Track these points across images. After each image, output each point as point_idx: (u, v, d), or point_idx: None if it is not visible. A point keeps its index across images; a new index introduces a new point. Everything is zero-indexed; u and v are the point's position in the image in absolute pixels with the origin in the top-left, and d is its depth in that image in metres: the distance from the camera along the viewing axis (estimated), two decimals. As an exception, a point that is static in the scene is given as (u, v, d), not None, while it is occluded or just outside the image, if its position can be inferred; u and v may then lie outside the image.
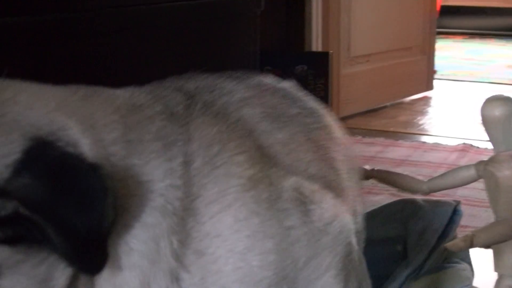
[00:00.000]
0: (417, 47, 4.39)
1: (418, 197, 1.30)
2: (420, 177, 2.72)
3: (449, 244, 1.19)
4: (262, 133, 1.03)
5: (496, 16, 7.77)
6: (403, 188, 1.31)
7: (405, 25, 4.23)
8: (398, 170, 2.85)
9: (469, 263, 1.39)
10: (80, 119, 0.88)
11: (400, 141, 3.32)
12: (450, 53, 6.48)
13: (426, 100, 4.38)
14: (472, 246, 1.15)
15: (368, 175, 1.33)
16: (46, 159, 0.81)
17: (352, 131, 3.56)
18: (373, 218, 1.37)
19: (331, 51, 3.49)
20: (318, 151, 1.09)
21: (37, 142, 0.81)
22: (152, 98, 0.99)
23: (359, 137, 3.34)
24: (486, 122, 1.14)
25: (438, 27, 7.69)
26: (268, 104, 1.09)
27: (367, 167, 1.35)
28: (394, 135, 3.49)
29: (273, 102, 1.10)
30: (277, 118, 1.07)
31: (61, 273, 0.84)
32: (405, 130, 3.57)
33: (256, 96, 1.09)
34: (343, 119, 3.79)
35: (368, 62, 4.00)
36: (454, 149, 3.18)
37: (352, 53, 3.85)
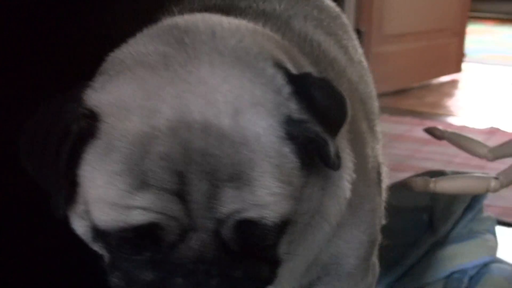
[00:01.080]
0: (449, 29, 4.37)
1: (448, 169, 1.32)
2: (445, 157, 2.77)
3: (408, 179, 1.23)
4: None
5: (529, 2, 7.69)
6: (469, 152, 1.33)
7: (438, 7, 4.21)
8: (425, 149, 2.88)
9: (494, 234, 1.42)
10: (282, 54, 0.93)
11: (427, 121, 3.33)
12: (481, 37, 6.43)
13: (454, 83, 4.37)
14: (429, 189, 1.17)
15: (439, 135, 1.36)
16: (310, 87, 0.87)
17: (380, 109, 3.57)
18: (401, 188, 1.40)
19: (363, 29, 3.50)
20: None
21: (286, 71, 0.88)
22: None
23: (386, 116, 3.36)
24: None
25: (470, 11, 7.65)
26: None
27: (440, 127, 1.39)
28: (421, 115, 3.50)
29: None
30: None
31: None
32: (432, 111, 3.58)
33: None
34: (373, 98, 3.80)
35: (400, 42, 4.00)
36: (481, 131, 3.18)
37: (384, 32, 3.85)
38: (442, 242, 1.42)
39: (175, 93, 0.82)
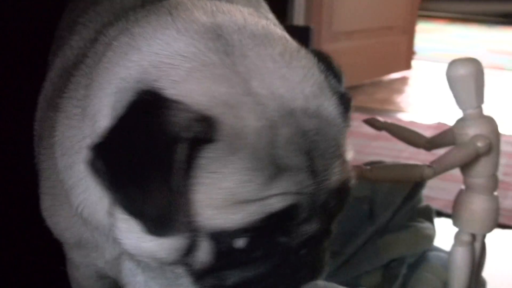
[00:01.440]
0: (399, 27, 4.41)
1: (387, 159, 1.33)
2: (393, 152, 2.79)
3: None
4: None
5: (481, 2, 7.81)
6: (408, 142, 1.34)
7: (388, 4, 4.25)
8: (373, 144, 2.90)
9: (432, 222, 1.43)
10: None
11: (375, 116, 3.35)
12: (432, 35, 6.52)
13: (404, 80, 4.42)
14: (365, 177, 1.18)
15: (379, 126, 1.36)
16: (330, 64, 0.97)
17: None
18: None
19: (313, 26, 3.51)
20: None
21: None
22: None
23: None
24: (452, 82, 1.17)
25: (422, 10, 7.75)
26: None
27: (380, 119, 1.39)
28: (370, 111, 3.53)
29: None
30: None
31: None
32: (382, 107, 3.60)
33: None
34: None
35: (350, 39, 4.02)
36: (429, 126, 3.22)
37: (334, 29, 3.87)
38: (381, 231, 1.42)
39: (262, 86, 0.85)
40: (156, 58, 0.87)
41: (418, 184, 1.47)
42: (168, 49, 0.87)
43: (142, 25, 0.93)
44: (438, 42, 6.14)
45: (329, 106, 0.89)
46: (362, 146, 2.82)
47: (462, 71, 1.12)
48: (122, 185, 0.80)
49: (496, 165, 1.14)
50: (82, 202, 0.96)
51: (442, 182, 2.41)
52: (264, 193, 0.82)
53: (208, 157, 0.81)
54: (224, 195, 0.82)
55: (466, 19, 7.73)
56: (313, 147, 0.86)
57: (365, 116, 3.35)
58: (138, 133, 0.80)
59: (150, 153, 0.79)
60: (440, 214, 1.80)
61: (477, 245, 1.15)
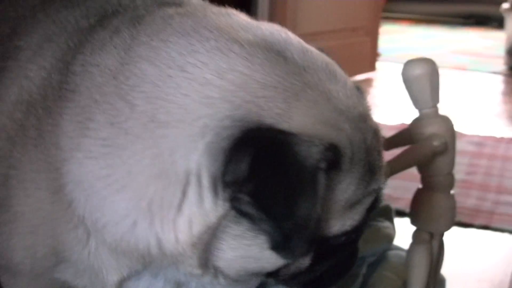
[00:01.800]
0: (362, 28, 4.44)
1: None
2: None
3: None
4: None
5: (443, 3, 7.89)
6: None
7: (352, 6, 4.27)
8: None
9: (391, 221, 1.44)
10: None
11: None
12: (396, 37, 6.57)
13: (369, 81, 4.44)
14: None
15: None
16: None
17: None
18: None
19: (276, 28, 3.52)
20: None
21: None
22: None
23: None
24: (407, 82, 1.18)
25: (386, 11, 7.81)
26: None
27: None
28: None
29: None
30: None
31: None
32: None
33: None
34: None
35: (314, 41, 4.02)
36: (391, 127, 3.23)
37: (298, 31, 3.87)
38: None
39: (335, 98, 0.90)
40: (245, 93, 0.86)
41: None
42: (249, 81, 0.87)
43: (189, 49, 0.90)
44: (402, 43, 6.19)
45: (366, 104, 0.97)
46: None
47: (417, 71, 1.13)
48: (275, 217, 0.84)
49: (452, 163, 1.16)
50: (126, 235, 0.93)
51: (405, 182, 2.43)
52: (365, 194, 0.92)
53: (337, 178, 0.87)
54: (343, 205, 0.90)
55: (430, 20, 7.81)
56: (380, 146, 0.95)
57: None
58: (280, 171, 0.83)
59: (296, 187, 0.83)
60: (402, 214, 1.81)
61: (435, 243, 1.16)
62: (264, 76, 0.87)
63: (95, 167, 0.90)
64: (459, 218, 2.14)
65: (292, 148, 0.82)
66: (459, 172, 2.63)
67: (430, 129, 1.14)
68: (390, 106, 3.76)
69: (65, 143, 0.91)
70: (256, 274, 0.92)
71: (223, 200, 0.84)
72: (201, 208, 0.86)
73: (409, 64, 1.14)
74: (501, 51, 5.18)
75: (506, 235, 2.09)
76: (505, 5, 5.07)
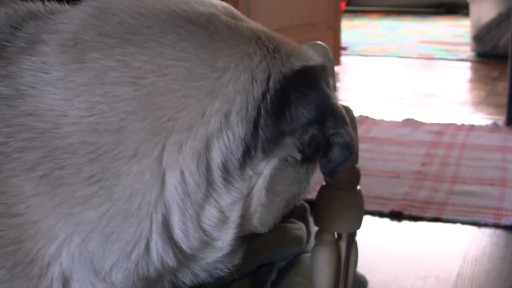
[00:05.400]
0: (323, 23, 4.36)
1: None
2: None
3: None
4: None
5: (412, -6, 7.87)
6: None
7: (308, 1, 4.20)
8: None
9: (306, 222, 1.35)
10: None
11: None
12: (364, 30, 6.51)
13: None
14: None
15: None
16: None
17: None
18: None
19: (227, 26, 3.44)
20: None
21: None
22: None
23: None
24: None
25: (355, 5, 7.78)
26: None
27: None
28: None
29: None
30: None
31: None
32: (305, 105, 3.53)
33: None
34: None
35: (271, 38, 3.95)
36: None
37: (253, 29, 3.80)
38: (251, 236, 1.35)
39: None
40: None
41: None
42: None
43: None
44: (369, 36, 6.13)
45: None
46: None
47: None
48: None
49: (355, 157, 1.07)
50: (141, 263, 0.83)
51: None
52: None
53: None
54: None
55: (400, 11, 7.76)
56: None
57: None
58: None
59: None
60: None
61: (343, 244, 1.07)
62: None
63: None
64: (409, 211, 2.09)
65: (320, 71, 0.87)
66: (414, 163, 2.56)
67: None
68: (355, 99, 3.69)
69: None
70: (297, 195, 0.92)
71: (267, 154, 0.83)
72: (229, 186, 0.82)
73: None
74: (468, 38, 5.11)
75: (458, 226, 2.02)
76: (469, -8, 5.02)
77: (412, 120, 3.16)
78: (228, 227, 0.84)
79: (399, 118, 3.21)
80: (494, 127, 3.05)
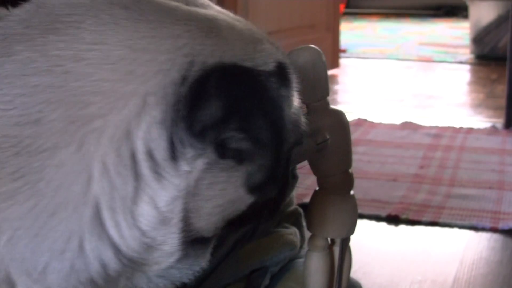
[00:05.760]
0: (321, 24, 4.36)
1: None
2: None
3: None
4: None
5: (412, -4, 7.88)
6: None
7: (308, 3, 4.19)
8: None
9: (299, 227, 1.34)
10: None
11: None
12: (363, 32, 6.51)
13: (333, 78, 4.37)
14: None
15: None
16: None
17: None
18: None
19: (225, 28, 3.43)
20: None
21: None
22: None
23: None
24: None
25: (355, 7, 7.78)
26: None
27: None
28: (295, 111, 3.45)
29: None
30: None
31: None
32: (303, 107, 3.52)
33: None
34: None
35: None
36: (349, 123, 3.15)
37: (251, 31, 3.80)
38: (246, 240, 1.33)
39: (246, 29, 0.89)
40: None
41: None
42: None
43: None
44: (368, 38, 6.12)
45: None
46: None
47: (299, 61, 1.03)
48: (269, 144, 0.80)
49: (346, 161, 1.05)
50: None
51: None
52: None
53: (290, 96, 0.84)
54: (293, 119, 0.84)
55: (400, 14, 7.76)
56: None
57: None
58: (258, 100, 0.79)
59: (275, 112, 0.80)
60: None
61: (337, 249, 1.06)
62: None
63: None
64: (406, 215, 2.08)
65: (256, 76, 0.78)
66: (412, 166, 2.55)
67: (315, 124, 1.04)
68: (353, 102, 3.68)
69: None
70: (229, 221, 0.84)
71: (191, 149, 0.76)
72: (162, 181, 0.76)
73: (291, 53, 1.04)
74: (468, 40, 5.11)
75: (455, 230, 2.01)
76: (468, -6, 5.01)
77: (410, 122, 3.15)
78: (171, 230, 0.79)
79: (397, 120, 3.20)
80: (493, 130, 3.04)
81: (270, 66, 0.80)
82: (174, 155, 0.75)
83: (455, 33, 6.20)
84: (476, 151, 2.74)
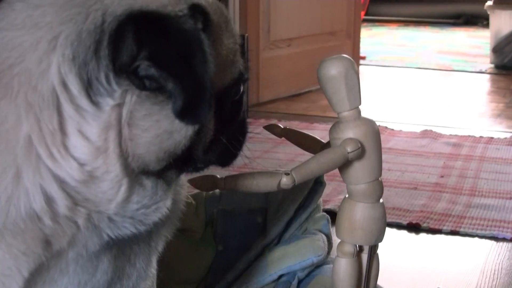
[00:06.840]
0: (342, 31, 4.37)
1: (282, 169, 1.26)
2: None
3: (193, 179, 1.15)
4: None
5: (432, 4, 7.85)
6: (304, 148, 1.27)
7: (329, 10, 4.21)
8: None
9: (327, 234, 1.36)
10: None
11: (315, 124, 3.30)
12: (383, 39, 6.51)
13: (352, 85, 4.37)
14: (219, 188, 1.12)
15: (279, 133, 1.29)
16: None
17: (270, 115, 3.52)
18: (235, 192, 1.33)
19: (247, 34, 3.45)
20: None
21: None
22: None
23: (275, 121, 3.31)
24: (323, 83, 1.09)
25: (374, 15, 7.77)
26: None
27: (280, 125, 1.30)
28: (310, 118, 3.47)
29: None
30: None
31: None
32: (323, 114, 3.54)
33: None
34: (264, 103, 3.75)
35: (290, 46, 3.97)
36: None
37: (272, 36, 3.81)
38: (275, 244, 1.35)
39: None
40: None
41: (313, 191, 1.40)
42: None
43: None
44: (388, 45, 6.12)
45: None
46: (295, 155, 2.74)
47: (331, 71, 1.05)
48: (177, 75, 0.86)
49: (376, 170, 1.07)
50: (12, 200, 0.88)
51: (337, 183, 2.36)
52: (235, 50, 0.99)
53: (214, 35, 0.93)
54: (225, 58, 0.96)
55: (419, 22, 7.75)
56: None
57: (304, 124, 3.32)
58: (168, 38, 0.87)
59: (187, 49, 0.87)
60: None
61: (365, 256, 1.08)
62: None
63: None
64: (427, 223, 2.09)
65: (170, 18, 0.88)
66: (432, 175, 2.56)
67: (346, 133, 1.06)
68: (371, 110, 3.69)
69: None
70: (173, 154, 0.91)
71: (117, 86, 0.86)
72: (83, 113, 0.86)
73: (323, 63, 1.06)
74: (487, 50, 5.10)
75: (475, 240, 2.01)
76: (489, 2, 5.00)
77: (430, 131, 3.15)
78: (110, 157, 0.87)
79: (417, 129, 3.20)
80: (513, 140, 3.04)
81: (181, 7, 0.89)
82: (91, 89, 0.85)
83: (474, 42, 6.18)
84: (496, 161, 2.74)
